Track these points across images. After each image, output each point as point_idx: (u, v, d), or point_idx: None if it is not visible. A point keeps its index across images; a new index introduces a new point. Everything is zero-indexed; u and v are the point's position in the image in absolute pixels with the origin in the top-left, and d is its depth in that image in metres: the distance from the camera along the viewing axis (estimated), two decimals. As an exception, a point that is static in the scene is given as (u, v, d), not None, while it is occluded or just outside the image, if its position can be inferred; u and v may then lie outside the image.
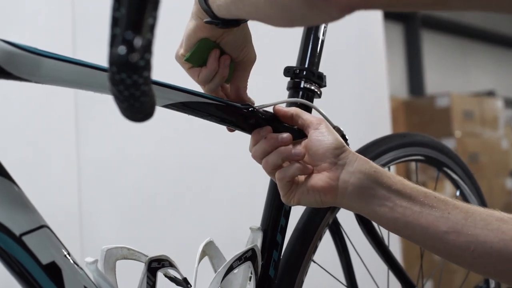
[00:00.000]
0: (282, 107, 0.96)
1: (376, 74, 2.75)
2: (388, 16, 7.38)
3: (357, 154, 0.91)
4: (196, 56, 0.92)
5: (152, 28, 0.54)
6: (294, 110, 0.94)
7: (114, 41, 0.53)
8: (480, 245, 0.84)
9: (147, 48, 0.54)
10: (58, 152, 1.76)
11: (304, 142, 0.93)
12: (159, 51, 1.78)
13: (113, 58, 0.53)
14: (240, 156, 2.06)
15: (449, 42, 8.96)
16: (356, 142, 1.13)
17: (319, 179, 0.89)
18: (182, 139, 1.99)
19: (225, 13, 0.84)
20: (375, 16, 2.78)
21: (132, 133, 1.88)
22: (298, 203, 0.92)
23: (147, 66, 0.56)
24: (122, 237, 1.83)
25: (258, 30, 2.09)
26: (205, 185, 2.05)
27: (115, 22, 0.53)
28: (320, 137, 0.90)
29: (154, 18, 0.53)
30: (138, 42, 0.52)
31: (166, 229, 1.93)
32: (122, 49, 0.53)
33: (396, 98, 5.64)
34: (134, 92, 0.57)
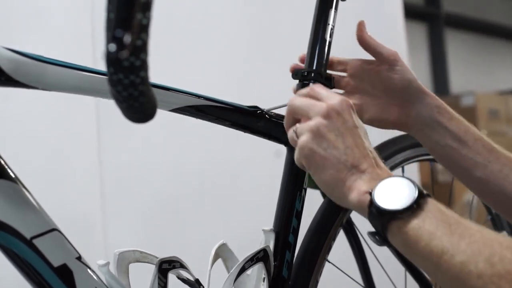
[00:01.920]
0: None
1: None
2: (411, 16, 7.33)
3: (425, 90, 1.00)
4: None
5: (146, 28, 0.55)
6: (374, 42, 1.01)
7: (106, 40, 0.54)
8: (502, 195, 0.97)
9: (142, 48, 0.55)
10: (80, 159, 1.78)
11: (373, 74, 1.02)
12: (168, 56, 1.78)
13: (105, 56, 0.55)
14: (260, 160, 2.07)
15: (473, 41, 8.85)
16: (375, 141, 1.14)
17: (391, 114, 1.01)
18: (203, 144, 2.00)
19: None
20: (397, 16, 2.76)
21: (154, 138, 1.90)
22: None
23: (144, 66, 0.57)
24: (145, 241, 1.84)
25: (265, 34, 2.08)
26: (226, 189, 2.06)
27: (108, 22, 0.54)
28: (398, 74, 0.99)
29: (148, 18, 0.54)
30: (127, 39, 0.53)
31: (188, 233, 1.94)
32: (112, 47, 0.54)
33: (420, 98, 5.59)
34: (133, 92, 0.58)
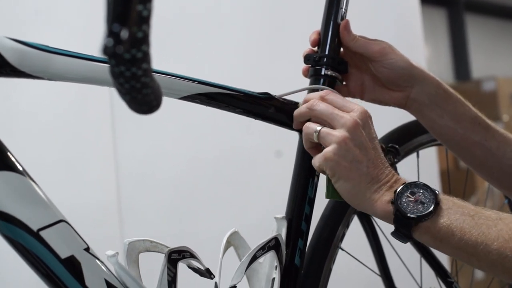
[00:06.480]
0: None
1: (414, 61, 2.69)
2: (431, 2, 7.25)
3: (423, 74, 1.01)
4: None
5: (147, 19, 0.54)
6: (358, 43, 0.99)
7: (104, 34, 0.54)
8: (500, 172, 1.03)
9: (144, 40, 0.55)
10: (96, 150, 1.79)
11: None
12: (179, 44, 1.76)
13: (102, 50, 0.54)
14: (277, 148, 2.06)
15: (494, 25, 8.75)
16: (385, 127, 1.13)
17: (391, 96, 1.02)
18: (219, 134, 2.00)
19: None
20: (413, 2, 2.72)
21: (169, 129, 1.90)
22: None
23: (146, 58, 0.56)
24: (161, 232, 1.85)
25: (277, 19, 2.07)
26: (243, 179, 2.06)
27: (107, 16, 0.53)
28: (388, 67, 0.99)
29: (149, 10, 0.54)
30: (125, 34, 0.53)
31: (205, 224, 1.94)
32: (109, 41, 0.53)
33: (441, 83, 5.56)
34: (135, 84, 0.57)
